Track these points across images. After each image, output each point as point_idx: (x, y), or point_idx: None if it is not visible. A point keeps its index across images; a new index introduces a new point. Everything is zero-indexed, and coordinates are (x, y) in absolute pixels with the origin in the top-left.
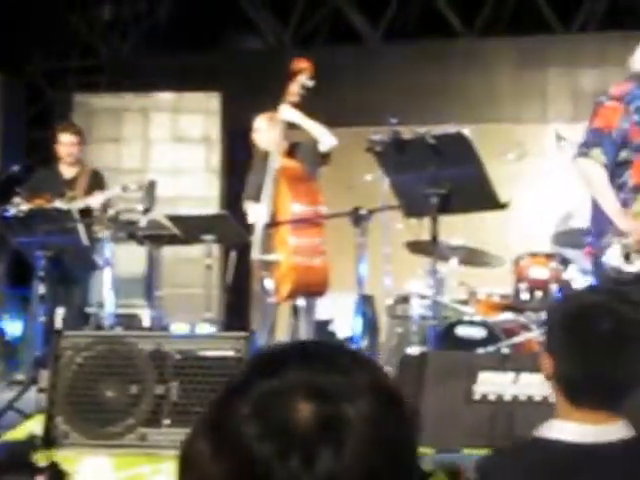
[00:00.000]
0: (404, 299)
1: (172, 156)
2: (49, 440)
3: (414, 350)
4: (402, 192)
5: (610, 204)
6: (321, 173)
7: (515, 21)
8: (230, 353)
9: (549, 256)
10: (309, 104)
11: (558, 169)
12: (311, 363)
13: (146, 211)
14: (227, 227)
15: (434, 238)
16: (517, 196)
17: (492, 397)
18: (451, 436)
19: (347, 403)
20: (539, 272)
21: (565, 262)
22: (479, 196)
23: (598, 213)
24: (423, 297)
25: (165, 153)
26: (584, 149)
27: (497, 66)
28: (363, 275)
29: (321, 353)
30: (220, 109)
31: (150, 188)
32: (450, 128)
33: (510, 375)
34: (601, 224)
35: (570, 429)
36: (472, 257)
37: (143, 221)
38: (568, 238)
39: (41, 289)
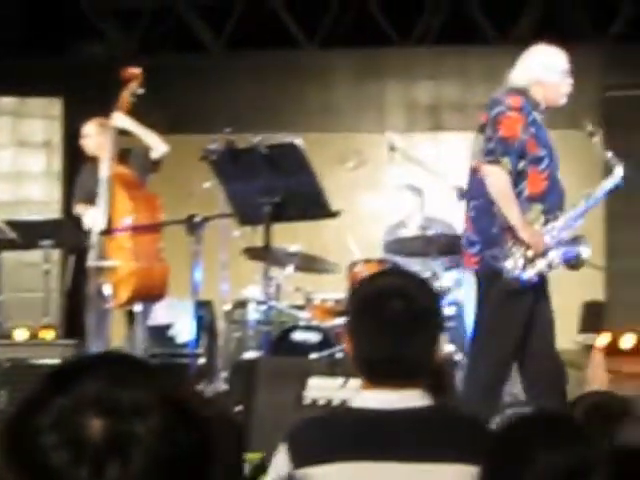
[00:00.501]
0: (242, 304)
1: (13, 160)
2: None
3: (250, 355)
4: (236, 200)
5: (515, 214)
6: (150, 180)
7: (354, 33)
8: (59, 361)
9: (382, 262)
10: (150, 111)
11: (394, 177)
12: (104, 378)
13: None
14: (65, 232)
15: (267, 245)
16: (357, 203)
17: (322, 402)
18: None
19: (137, 418)
20: None
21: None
22: (311, 204)
23: (486, 223)
24: (259, 302)
25: (6, 157)
26: (493, 157)
27: (336, 77)
28: (198, 281)
29: (114, 368)
30: (62, 114)
31: None
32: (285, 138)
33: (339, 380)
34: (490, 234)
35: (372, 398)
36: (308, 263)
37: None
38: (398, 246)
39: None
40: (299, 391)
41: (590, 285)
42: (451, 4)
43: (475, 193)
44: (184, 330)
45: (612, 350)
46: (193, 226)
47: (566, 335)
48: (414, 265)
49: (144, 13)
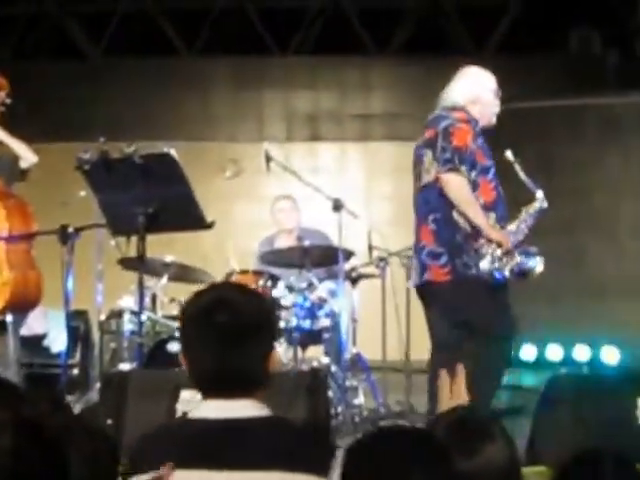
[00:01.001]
0: (117, 315)
1: None
2: None
3: (125, 366)
4: (110, 210)
5: (481, 216)
6: (16, 188)
7: (234, 42)
8: None
9: (258, 273)
10: (25, 119)
11: (271, 187)
12: None
13: None
14: None
15: (141, 255)
16: (234, 212)
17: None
18: None
19: None
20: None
21: (274, 279)
22: (186, 215)
23: (449, 234)
24: (134, 313)
25: None
26: (452, 165)
27: (215, 85)
28: (70, 291)
29: None
30: None
31: None
32: (161, 147)
33: None
34: (455, 243)
35: (207, 408)
36: (183, 274)
37: None
38: (274, 257)
39: None
40: (171, 404)
41: None
42: (330, 15)
43: (433, 207)
44: (58, 340)
45: None
46: (66, 236)
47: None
48: (289, 276)
49: (19, 19)
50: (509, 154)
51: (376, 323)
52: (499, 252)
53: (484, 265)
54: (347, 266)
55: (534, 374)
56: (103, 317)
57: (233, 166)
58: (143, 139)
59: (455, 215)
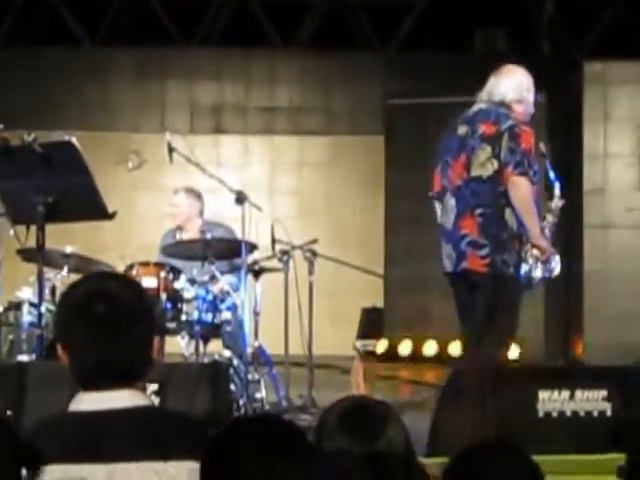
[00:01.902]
0: (16, 306)
1: None
2: None
3: (23, 358)
4: (9, 199)
5: (536, 225)
6: None
7: (136, 31)
8: None
9: (159, 265)
10: None
11: (174, 179)
12: None
13: None
14: None
15: (41, 246)
16: (135, 204)
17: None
18: None
19: None
20: (149, 281)
21: (175, 272)
22: (87, 205)
23: (496, 230)
24: (33, 305)
25: None
26: (523, 169)
27: (117, 75)
28: None
29: None
30: None
31: None
32: (61, 136)
33: None
34: (500, 240)
35: (85, 400)
36: (84, 265)
37: None
38: (176, 249)
39: None
40: (72, 395)
41: (371, 291)
42: (236, 7)
43: (483, 201)
44: None
45: (390, 356)
46: None
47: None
48: (192, 269)
49: None
50: (542, 146)
51: (279, 317)
52: (541, 258)
53: (524, 268)
54: (250, 259)
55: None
56: (0, 309)
57: (136, 157)
58: (43, 128)
59: (507, 214)
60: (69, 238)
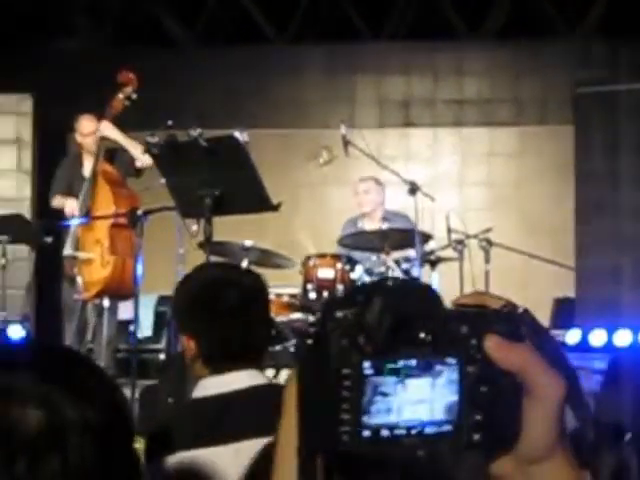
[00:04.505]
0: None
1: None
2: None
3: None
4: (178, 193)
5: None
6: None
7: (326, 28)
8: None
9: (335, 257)
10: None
11: (357, 171)
12: (41, 369)
13: None
14: (22, 227)
15: (208, 239)
16: (328, 198)
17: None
18: None
19: (73, 411)
20: (326, 272)
21: (352, 263)
22: (251, 198)
23: None
24: None
25: None
26: None
27: (307, 72)
28: (139, 275)
29: (51, 360)
30: (32, 110)
31: None
32: (237, 133)
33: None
34: None
35: (210, 385)
36: (263, 258)
37: None
38: (352, 240)
39: None
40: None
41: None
42: (422, 0)
43: None
44: (145, 325)
45: (582, 347)
46: (135, 218)
47: None
48: (368, 260)
49: (114, 7)
50: None
51: None
52: None
53: None
54: (426, 248)
55: None
56: None
57: (327, 153)
58: (234, 127)
59: None
60: (261, 232)
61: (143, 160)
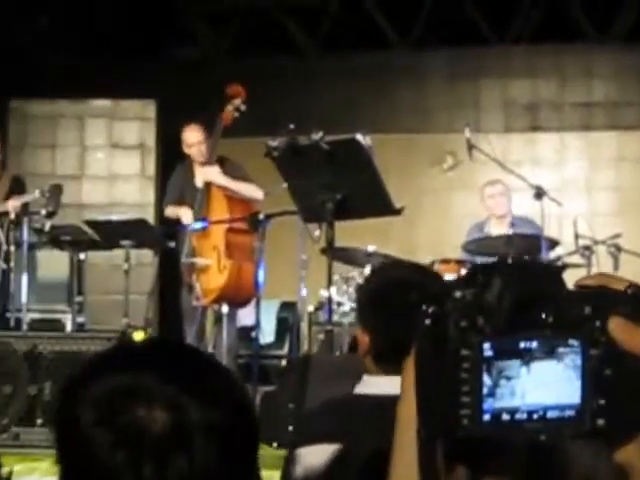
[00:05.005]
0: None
1: (108, 163)
2: None
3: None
4: (299, 197)
5: None
6: None
7: (449, 32)
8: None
9: (459, 262)
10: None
11: (482, 176)
12: (167, 370)
13: (50, 215)
14: (145, 232)
15: (330, 244)
16: (452, 203)
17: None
18: None
19: (199, 412)
20: (449, 278)
21: None
22: (374, 202)
23: None
24: (339, 304)
25: (101, 160)
26: None
27: (430, 77)
28: (261, 280)
29: (176, 359)
30: (156, 116)
31: (55, 192)
32: (359, 136)
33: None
34: None
35: (378, 383)
36: None
37: (47, 225)
38: (476, 246)
39: None
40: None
41: None
42: (548, 2)
43: None
44: (267, 331)
45: None
46: (256, 222)
47: None
48: None
49: (236, 14)
50: None
51: None
52: None
53: None
54: (552, 255)
55: None
56: (310, 308)
57: (451, 158)
58: (356, 132)
59: None
60: (384, 238)
61: (256, 197)
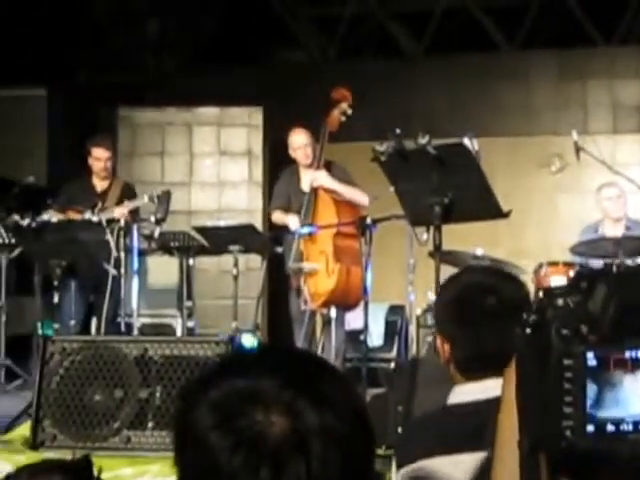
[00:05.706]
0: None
1: (216, 169)
2: (36, 443)
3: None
4: (407, 201)
5: None
6: None
7: (556, 33)
8: (212, 357)
9: (568, 265)
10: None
11: (599, 179)
12: (285, 374)
13: (159, 222)
14: (253, 237)
15: (438, 247)
16: (560, 206)
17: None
18: None
19: (316, 417)
20: (558, 281)
21: None
22: (481, 205)
23: None
24: None
25: (209, 166)
26: None
27: (537, 79)
28: (369, 284)
29: (292, 364)
30: (263, 123)
31: (164, 198)
32: (466, 140)
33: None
34: None
35: (469, 392)
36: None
37: (157, 232)
38: (584, 248)
39: (56, 298)
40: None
41: None
42: None
43: None
44: (376, 334)
45: None
46: (364, 227)
47: None
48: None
49: (343, 19)
50: None
51: None
52: None
53: None
54: None
55: None
56: (418, 311)
57: (559, 160)
58: (462, 135)
59: None
60: (492, 241)
61: (361, 203)
